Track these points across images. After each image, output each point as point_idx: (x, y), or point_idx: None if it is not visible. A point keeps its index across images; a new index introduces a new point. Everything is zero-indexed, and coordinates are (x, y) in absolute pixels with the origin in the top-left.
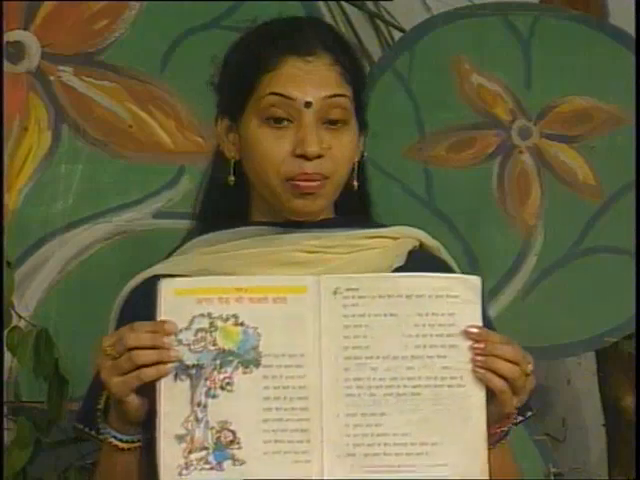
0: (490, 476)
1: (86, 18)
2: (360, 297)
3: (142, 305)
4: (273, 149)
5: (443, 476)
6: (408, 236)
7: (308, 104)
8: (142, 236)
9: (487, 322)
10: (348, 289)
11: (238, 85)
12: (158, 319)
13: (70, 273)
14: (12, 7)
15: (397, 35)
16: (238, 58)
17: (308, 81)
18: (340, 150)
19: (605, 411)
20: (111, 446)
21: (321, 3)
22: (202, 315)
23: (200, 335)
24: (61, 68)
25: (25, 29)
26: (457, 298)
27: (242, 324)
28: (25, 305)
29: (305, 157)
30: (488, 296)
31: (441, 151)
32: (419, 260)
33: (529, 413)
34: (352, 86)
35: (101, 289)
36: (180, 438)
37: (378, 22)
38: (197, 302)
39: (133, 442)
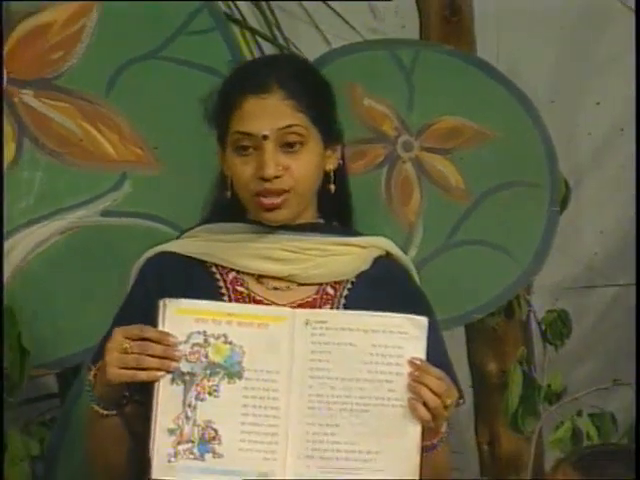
0: (421, 476)
1: (45, 50)
2: (327, 328)
3: (152, 275)
4: (242, 172)
5: (381, 478)
6: (375, 246)
7: (265, 137)
8: (91, 231)
9: (442, 354)
10: (317, 321)
11: (218, 122)
12: (161, 330)
13: (31, 262)
14: None
15: None
16: (216, 100)
17: (264, 116)
18: (298, 168)
19: (472, 375)
20: (94, 412)
21: (239, 35)
22: (198, 332)
23: (195, 349)
24: (23, 91)
25: None
26: (406, 334)
27: (230, 343)
28: None
29: (264, 179)
30: None
31: None
32: (383, 265)
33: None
34: (308, 113)
35: (56, 275)
36: (171, 431)
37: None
38: (195, 321)
39: (112, 411)
